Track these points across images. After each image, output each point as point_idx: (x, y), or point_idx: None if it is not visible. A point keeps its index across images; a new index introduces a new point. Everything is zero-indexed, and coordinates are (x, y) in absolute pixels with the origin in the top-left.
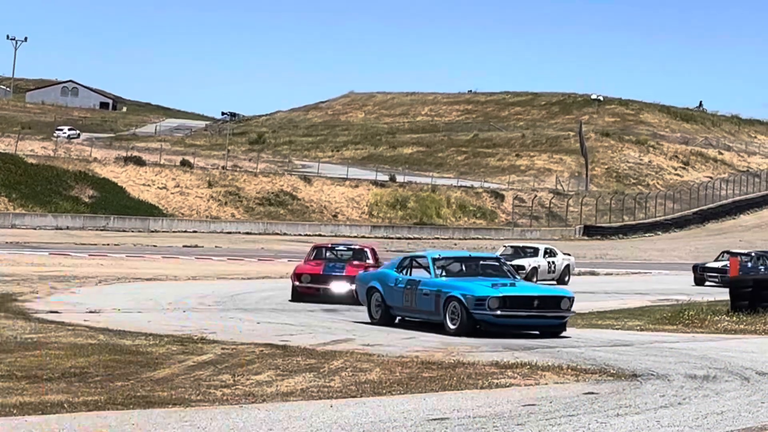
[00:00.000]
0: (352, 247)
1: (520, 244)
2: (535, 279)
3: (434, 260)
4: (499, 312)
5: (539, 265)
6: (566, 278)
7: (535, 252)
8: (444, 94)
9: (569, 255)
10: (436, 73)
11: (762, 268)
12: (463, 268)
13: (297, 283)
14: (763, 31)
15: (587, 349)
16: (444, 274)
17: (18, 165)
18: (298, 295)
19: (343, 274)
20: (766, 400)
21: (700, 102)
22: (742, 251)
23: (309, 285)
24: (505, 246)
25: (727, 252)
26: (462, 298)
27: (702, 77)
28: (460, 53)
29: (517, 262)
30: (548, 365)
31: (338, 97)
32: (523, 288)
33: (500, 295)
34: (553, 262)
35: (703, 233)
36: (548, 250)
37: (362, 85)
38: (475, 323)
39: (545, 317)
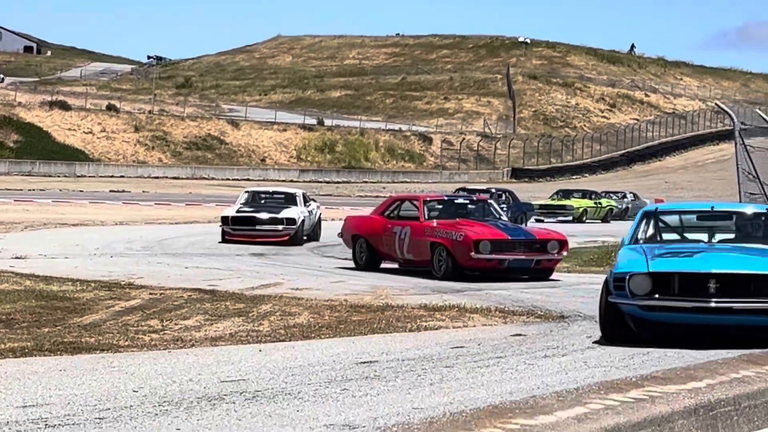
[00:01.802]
0: (472, 196)
1: (270, 189)
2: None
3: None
4: (647, 302)
5: (304, 217)
6: (320, 231)
7: (291, 199)
8: (372, 38)
9: (315, 201)
10: (363, 16)
11: (504, 206)
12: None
13: (473, 254)
14: None
15: (515, 291)
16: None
17: None
18: (458, 270)
19: (535, 238)
20: (692, 341)
21: (632, 45)
22: (481, 188)
23: (490, 257)
24: (247, 191)
25: (463, 189)
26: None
27: (629, 20)
28: None
29: (285, 214)
30: (476, 308)
31: (266, 40)
32: (710, 259)
33: (649, 271)
34: (311, 212)
35: (629, 175)
36: (306, 197)
37: (290, 29)
38: (622, 317)
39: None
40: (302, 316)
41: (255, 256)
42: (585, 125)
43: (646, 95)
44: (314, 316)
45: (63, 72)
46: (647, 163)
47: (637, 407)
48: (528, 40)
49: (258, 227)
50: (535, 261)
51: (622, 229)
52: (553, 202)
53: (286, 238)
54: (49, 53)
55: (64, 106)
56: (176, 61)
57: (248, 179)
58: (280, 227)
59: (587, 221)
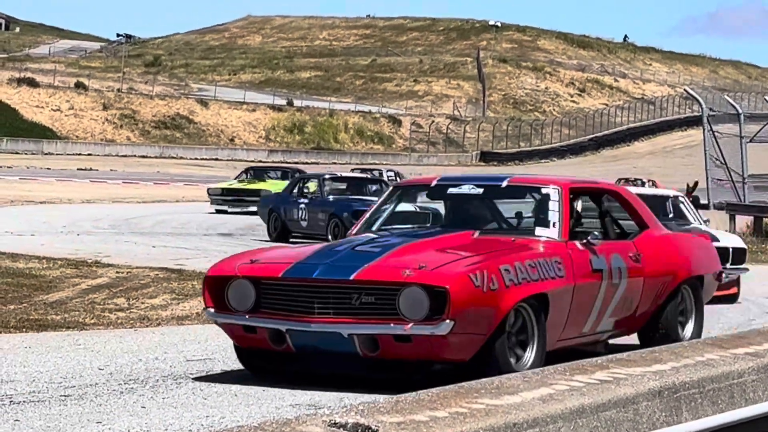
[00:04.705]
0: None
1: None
2: None
3: None
4: None
5: None
6: None
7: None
8: (342, 18)
9: None
10: None
11: None
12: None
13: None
14: None
15: None
16: None
17: None
18: None
19: None
20: None
21: (625, 36)
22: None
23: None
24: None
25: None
26: None
27: (599, 4)
28: None
29: None
30: None
31: (236, 20)
32: None
33: None
34: None
35: (597, 160)
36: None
37: (260, 8)
38: None
39: None
40: None
41: (222, 236)
42: (554, 109)
43: (616, 80)
44: None
45: (31, 49)
46: (616, 148)
47: (602, 389)
48: (498, 24)
49: None
50: None
51: None
52: (241, 186)
53: None
54: (17, 29)
55: (32, 83)
56: (146, 39)
57: (217, 159)
58: None
59: None
